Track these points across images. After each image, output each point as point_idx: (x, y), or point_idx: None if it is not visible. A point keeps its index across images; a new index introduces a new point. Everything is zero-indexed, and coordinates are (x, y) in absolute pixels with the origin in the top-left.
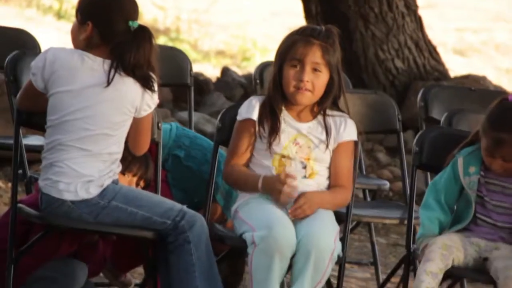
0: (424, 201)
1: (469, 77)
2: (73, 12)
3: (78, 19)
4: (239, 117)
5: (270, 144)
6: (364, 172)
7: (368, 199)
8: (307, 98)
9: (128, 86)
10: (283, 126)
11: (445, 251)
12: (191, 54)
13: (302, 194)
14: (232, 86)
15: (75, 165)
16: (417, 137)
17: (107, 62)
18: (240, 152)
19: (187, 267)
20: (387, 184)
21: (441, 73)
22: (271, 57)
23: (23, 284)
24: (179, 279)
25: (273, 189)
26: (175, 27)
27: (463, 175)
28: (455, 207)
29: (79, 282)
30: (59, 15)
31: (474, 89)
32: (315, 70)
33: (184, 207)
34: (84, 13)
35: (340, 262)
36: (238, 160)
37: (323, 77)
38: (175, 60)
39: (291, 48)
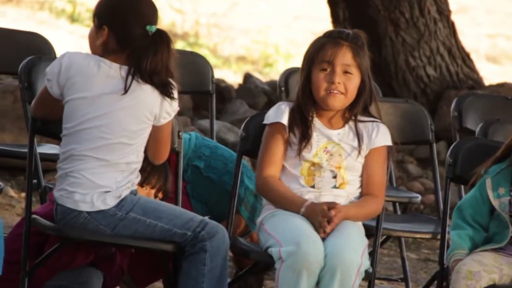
0: (452, 223)
1: (505, 85)
2: (87, 15)
3: (95, 24)
4: (267, 121)
5: (300, 151)
6: (394, 184)
7: (399, 212)
8: (340, 101)
9: (146, 93)
10: (313, 133)
11: (470, 280)
12: (211, 60)
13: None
14: (255, 94)
15: (92, 175)
16: (451, 148)
17: (124, 68)
18: (273, 160)
19: (197, 276)
20: (418, 197)
21: (475, 81)
22: (294, 63)
23: None
24: (184, 285)
25: (316, 220)
26: (193, 32)
27: (493, 197)
28: (489, 225)
29: None
30: (73, 18)
31: (511, 98)
32: (346, 72)
33: (206, 218)
34: (100, 17)
35: (370, 278)
36: (272, 170)
37: (355, 80)
38: (196, 66)
39: (320, 51)
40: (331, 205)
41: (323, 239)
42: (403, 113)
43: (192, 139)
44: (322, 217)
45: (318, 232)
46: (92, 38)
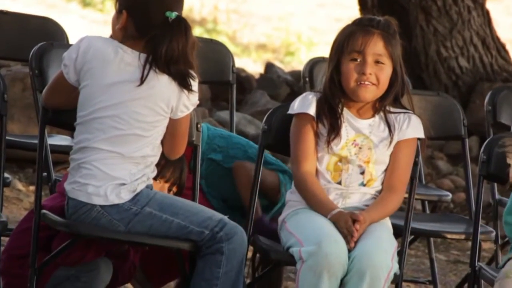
0: (508, 207)
1: None
2: None
3: (116, 8)
4: (293, 111)
5: (329, 143)
6: (423, 182)
7: (427, 211)
8: (371, 92)
9: (162, 83)
10: (342, 124)
11: None
12: (229, 47)
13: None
14: (277, 84)
15: (105, 166)
16: (484, 144)
17: (143, 56)
18: (308, 154)
19: (211, 278)
20: (449, 196)
21: (511, 73)
22: (317, 51)
23: (45, 283)
24: (197, 286)
25: (338, 227)
26: (212, 18)
27: None
28: None
29: (104, 280)
30: (85, 3)
31: None
32: (377, 62)
33: (225, 218)
34: (120, 1)
35: (397, 281)
36: (309, 165)
37: (387, 70)
38: (216, 54)
39: (349, 40)
40: (355, 217)
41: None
42: (433, 107)
43: (204, 130)
44: (346, 230)
45: (346, 243)
46: (114, 23)
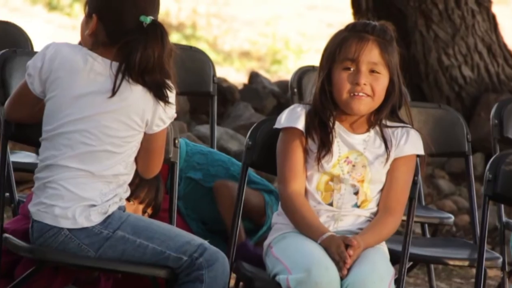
0: None
1: None
2: (67, 2)
3: (85, 11)
4: (280, 125)
5: (319, 160)
6: (423, 203)
7: (428, 235)
8: (366, 105)
9: (136, 95)
10: (334, 139)
11: None
12: (210, 55)
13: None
14: (262, 95)
15: (73, 186)
16: (490, 161)
17: (115, 65)
18: (297, 172)
19: None
20: (451, 218)
21: None
22: (306, 59)
23: None
24: None
25: (330, 253)
26: (190, 22)
27: None
28: None
29: None
30: (51, 6)
31: None
32: (372, 71)
33: (205, 242)
34: (90, 4)
35: None
36: (297, 184)
37: (383, 80)
38: (195, 62)
39: (342, 47)
40: (349, 242)
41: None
42: (434, 120)
43: (182, 146)
44: (339, 257)
45: (338, 270)
46: (83, 28)
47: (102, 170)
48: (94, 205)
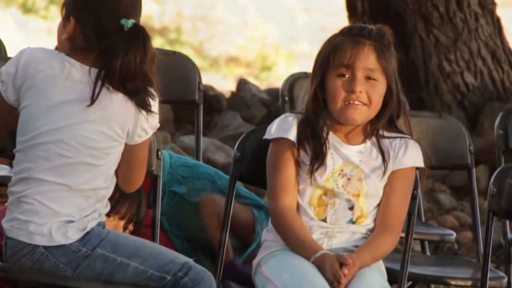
0: None
1: None
2: (42, 4)
3: (62, 14)
4: (270, 136)
5: (312, 173)
6: (423, 218)
7: (428, 253)
8: (362, 114)
9: (117, 103)
10: (328, 151)
11: None
12: (195, 61)
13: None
14: (251, 104)
15: (50, 201)
16: (495, 175)
17: (94, 71)
18: (288, 185)
19: None
20: (453, 235)
21: None
22: (297, 66)
23: None
24: None
25: (323, 272)
26: (175, 26)
27: None
28: None
29: None
30: (25, 8)
31: None
32: (369, 78)
33: (190, 261)
34: (67, 6)
35: None
36: (288, 198)
37: (380, 87)
38: (179, 69)
39: (336, 52)
40: (343, 260)
41: None
42: (434, 130)
43: (165, 158)
44: (333, 276)
45: None
46: (59, 32)
47: (81, 183)
48: (71, 221)
